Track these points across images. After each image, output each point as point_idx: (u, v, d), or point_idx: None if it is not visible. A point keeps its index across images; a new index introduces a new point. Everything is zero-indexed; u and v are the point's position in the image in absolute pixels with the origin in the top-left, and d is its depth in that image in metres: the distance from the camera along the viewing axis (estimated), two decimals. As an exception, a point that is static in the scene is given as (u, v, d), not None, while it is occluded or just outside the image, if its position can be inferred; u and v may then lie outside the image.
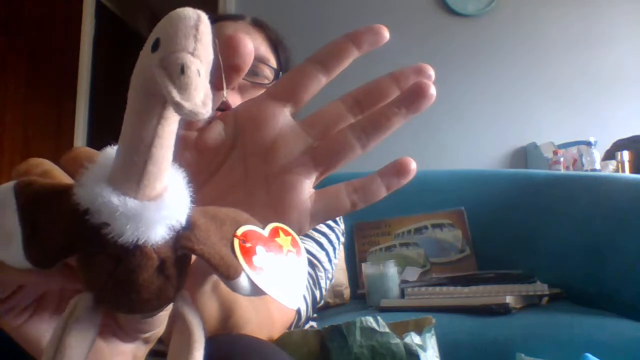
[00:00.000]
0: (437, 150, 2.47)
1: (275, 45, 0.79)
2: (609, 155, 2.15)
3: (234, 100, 0.72)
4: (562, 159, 2.21)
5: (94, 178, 0.19)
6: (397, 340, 0.61)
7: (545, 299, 1.26)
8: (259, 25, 0.80)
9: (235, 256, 0.21)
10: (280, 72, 0.78)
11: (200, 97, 0.17)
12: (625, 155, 2.05)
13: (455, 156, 2.44)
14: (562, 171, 2.12)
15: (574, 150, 2.26)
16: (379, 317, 0.64)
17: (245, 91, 0.73)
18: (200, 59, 0.18)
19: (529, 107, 2.50)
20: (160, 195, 0.19)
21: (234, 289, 0.21)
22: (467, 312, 1.18)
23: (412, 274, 1.55)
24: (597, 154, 2.16)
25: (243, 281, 0.21)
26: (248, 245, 0.22)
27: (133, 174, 0.19)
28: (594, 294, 1.28)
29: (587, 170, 2.12)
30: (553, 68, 2.52)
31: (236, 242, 0.21)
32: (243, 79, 0.73)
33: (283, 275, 0.22)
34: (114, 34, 3.71)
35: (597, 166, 2.13)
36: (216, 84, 0.26)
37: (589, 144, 2.21)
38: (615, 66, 2.52)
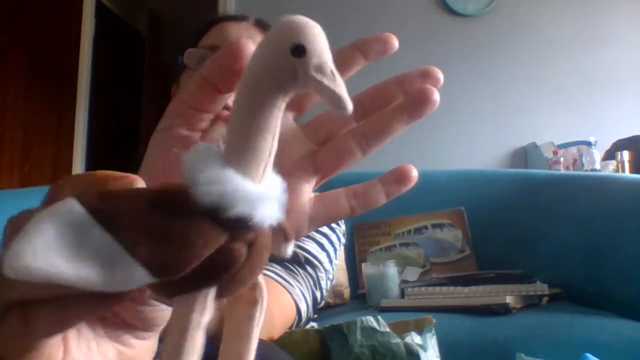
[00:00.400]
0: (437, 150, 2.47)
1: None
2: (609, 155, 2.15)
3: None
4: (562, 159, 2.21)
5: (211, 171, 0.19)
6: (398, 340, 0.61)
7: (545, 299, 1.26)
8: (263, 26, 0.80)
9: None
10: None
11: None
12: (625, 155, 2.05)
13: (456, 156, 2.44)
14: (562, 171, 2.12)
15: (574, 150, 2.26)
16: (379, 317, 0.64)
17: None
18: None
19: (529, 107, 2.50)
20: (274, 182, 0.21)
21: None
22: (467, 312, 1.18)
23: (412, 274, 1.55)
24: (597, 154, 2.16)
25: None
26: None
27: (261, 162, 0.20)
28: (594, 294, 1.28)
29: (587, 170, 2.12)
30: (553, 68, 2.52)
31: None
32: None
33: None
34: (114, 34, 3.71)
35: (597, 166, 2.13)
36: (218, 85, 0.26)
37: (589, 144, 2.21)
38: (615, 66, 2.52)
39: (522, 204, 1.62)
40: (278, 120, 0.21)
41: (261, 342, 0.63)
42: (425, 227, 1.69)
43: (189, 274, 0.19)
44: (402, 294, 1.36)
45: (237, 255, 0.20)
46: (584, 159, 2.17)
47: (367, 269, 1.45)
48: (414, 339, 0.62)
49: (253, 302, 0.22)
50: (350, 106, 0.21)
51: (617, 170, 2.06)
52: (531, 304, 1.24)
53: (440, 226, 1.68)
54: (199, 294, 0.20)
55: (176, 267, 0.18)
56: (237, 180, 0.19)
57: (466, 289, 1.26)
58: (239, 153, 0.20)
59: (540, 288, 1.26)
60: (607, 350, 0.94)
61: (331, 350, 0.61)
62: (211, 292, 0.20)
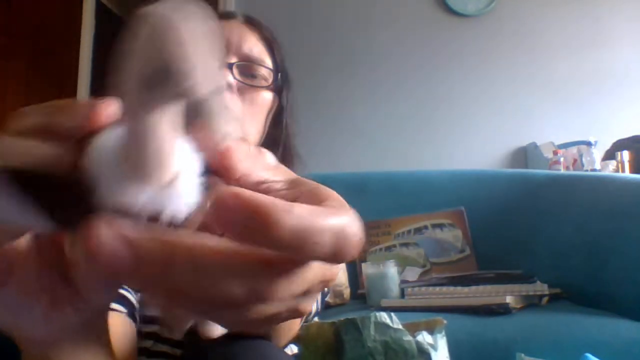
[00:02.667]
0: (437, 150, 2.47)
1: (270, 44, 0.78)
2: (609, 155, 2.15)
3: (235, 103, 0.71)
4: (562, 159, 2.21)
5: (104, 165, 0.19)
6: (410, 338, 0.61)
7: (545, 299, 1.26)
8: (253, 24, 0.79)
9: None
10: (277, 72, 0.77)
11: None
12: (625, 155, 2.05)
13: (455, 156, 2.44)
14: (562, 171, 2.12)
15: (574, 150, 2.26)
16: (392, 314, 0.65)
17: (244, 93, 0.73)
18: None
19: (529, 107, 2.50)
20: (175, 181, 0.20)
21: None
22: (467, 312, 1.18)
23: (412, 274, 1.55)
24: (597, 154, 2.16)
25: None
26: None
27: (148, 166, 0.19)
28: (594, 294, 1.28)
29: (587, 170, 2.12)
30: (553, 68, 2.52)
31: None
32: (241, 81, 0.73)
33: None
34: (114, 34, 3.71)
35: (597, 166, 2.13)
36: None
37: (589, 144, 2.21)
38: (615, 66, 2.52)
39: (522, 204, 1.62)
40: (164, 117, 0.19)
41: (261, 342, 0.63)
42: (425, 227, 1.69)
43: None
44: (402, 294, 1.36)
45: None
46: (584, 159, 2.17)
47: (367, 269, 1.45)
48: (426, 338, 0.62)
49: None
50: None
51: (617, 170, 2.06)
52: (531, 304, 1.24)
53: (440, 226, 1.68)
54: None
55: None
56: (119, 183, 0.19)
57: (466, 289, 1.26)
58: (123, 157, 0.19)
59: (540, 288, 1.26)
60: (607, 350, 0.94)
61: (345, 343, 0.62)
62: None
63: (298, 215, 0.17)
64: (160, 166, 0.19)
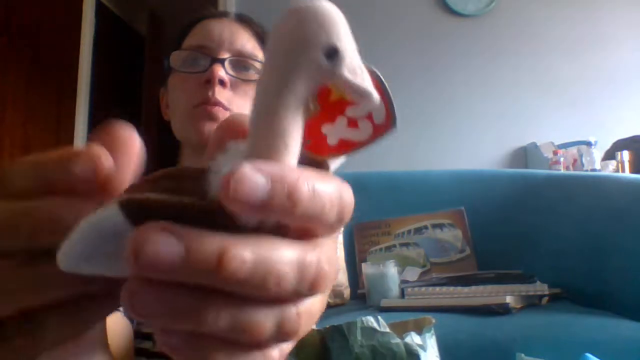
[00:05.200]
0: (437, 150, 2.47)
1: (263, 39, 0.79)
2: (609, 155, 2.15)
3: (228, 97, 0.72)
4: (562, 159, 2.21)
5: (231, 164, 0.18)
6: (398, 340, 0.61)
7: (545, 299, 1.26)
8: (244, 21, 0.80)
9: (313, 160, 0.21)
10: None
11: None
12: (625, 155, 2.05)
13: (455, 156, 2.44)
14: (562, 171, 2.12)
15: (574, 150, 2.26)
16: (379, 317, 0.64)
17: (237, 87, 0.73)
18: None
19: (529, 107, 2.50)
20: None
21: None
22: (467, 312, 1.18)
23: (412, 274, 1.55)
24: (597, 154, 2.16)
25: (332, 165, 0.22)
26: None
27: (284, 159, 0.19)
28: (594, 294, 1.28)
29: (587, 170, 2.12)
30: (553, 68, 2.52)
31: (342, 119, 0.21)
32: (233, 76, 0.74)
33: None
34: (114, 34, 3.71)
35: (597, 166, 2.13)
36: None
37: (589, 144, 2.21)
38: (615, 66, 2.52)
39: (522, 204, 1.62)
40: (301, 121, 0.19)
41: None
42: (425, 227, 1.69)
43: None
44: (402, 294, 1.36)
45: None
46: (584, 159, 2.17)
47: (367, 269, 1.45)
48: (414, 339, 0.62)
49: None
50: (376, 96, 0.21)
51: (617, 170, 2.06)
52: (531, 304, 1.24)
53: (440, 226, 1.68)
54: None
55: None
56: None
57: (466, 289, 1.26)
58: (258, 151, 0.19)
59: (540, 288, 1.26)
60: (607, 350, 0.94)
61: (331, 351, 0.61)
62: None
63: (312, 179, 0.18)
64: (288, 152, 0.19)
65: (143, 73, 3.96)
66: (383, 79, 0.22)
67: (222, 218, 0.18)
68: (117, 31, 3.76)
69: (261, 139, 0.19)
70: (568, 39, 2.54)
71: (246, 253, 0.17)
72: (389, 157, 2.36)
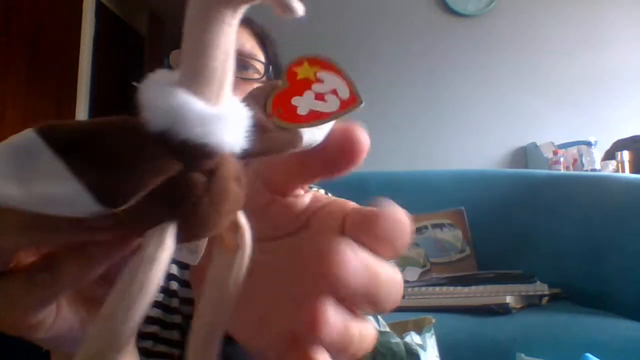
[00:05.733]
0: (437, 150, 2.47)
1: (262, 39, 0.79)
2: (609, 155, 2.15)
3: None
4: (562, 159, 2.21)
5: (162, 93, 0.18)
6: (398, 340, 0.61)
7: (545, 299, 1.26)
8: (244, 21, 0.80)
9: (283, 127, 0.21)
10: (270, 66, 0.78)
11: None
12: (625, 155, 2.05)
13: (455, 156, 2.44)
14: (562, 171, 2.12)
15: (574, 150, 2.26)
16: (379, 317, 0.64)
17: (237, 86, 0.73)
18: None
19: (529, 107, 2.50)
20: (234, 106, 0.19)
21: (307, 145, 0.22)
22: (467, 312, 1.18)
23: (412, 274, 1.55)
24: (597, 154, 2.16)
25: (306, 136, 0.21)
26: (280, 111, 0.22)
27: (214, 82, 0.18)
28: (593, 294, 1.28)
29: (587, 170, 2.12)
30: (553, 68, 2.52)
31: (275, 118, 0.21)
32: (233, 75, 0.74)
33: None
34: (114, 34, 3.71)
35: (597, 166, 2.13)
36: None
37: (589, 144, 2.21)
38: (615, 66, 2.52)
39: (522, 204, 1.62)
40: (229, 37, 0.19)
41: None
42: (425, 227, 1.69)
43: (141, 205, 0.19)
44: (402, 294, 1.36)
45: (191, 183, 0.18)
46: (584, 159, 2.17)
47: (367, 269, 1.45)
48: (414, 338, 0.62)
49: (233, 249, 0.21)
50: (299, 8, 0.20)
51: (617, 170, 2.06)
52: (531, 304, 1.24)
53: (440, 226, 1.68)
54: (154, 230, 0.19)
55: (122, 194, 0.18)
56: (187, 100, 0.18)
57: (466, 289, 1.26)
58: (189, 74, 0.18)
59: (540, 288, 1.26)
60: (607, 350, 0.94)
61: (331, 351, 0.61)
62: (170, 229, 0.19)
63: None
64: None
65: (143, 73, 3.96)
66: (335, 62, 0.22)
67: (120, 134, 0.18)
68: (117, 31, 3.76)
69: (184, 67, 0.18)
70: (568, 39, 2.54)
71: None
72: (389, 157, 2.36)
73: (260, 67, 0.76)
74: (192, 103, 0.18)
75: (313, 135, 0.22)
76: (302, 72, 0.22)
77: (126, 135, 0.18)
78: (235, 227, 0.21)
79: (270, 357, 0.23)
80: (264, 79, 0.77)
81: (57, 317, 0.24)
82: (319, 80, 0.22)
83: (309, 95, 0.22)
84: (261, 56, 0.77)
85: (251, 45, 0.77)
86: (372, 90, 2.52)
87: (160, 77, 0.19)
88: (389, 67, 2.54)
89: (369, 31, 2.58)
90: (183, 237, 0.19)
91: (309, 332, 0.19)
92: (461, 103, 2.52)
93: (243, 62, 0.75)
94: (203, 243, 0.25)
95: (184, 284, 0.67)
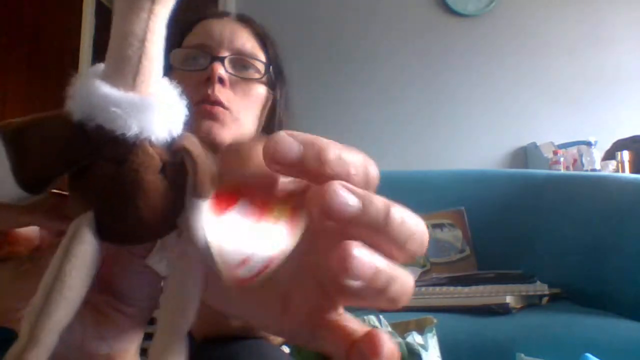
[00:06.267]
0: (438, 150, 2.47)
1: (263, 39, 0.79)
2: (609, 155, 2.15)
3: (227, 95, 0.72)
4: (562, 159, 2.21)
5: (86, 83, 0.18)
6: (400, 340, 0.61)
7: (545, 299, 1.26)
8: (245, 21, 0.80)
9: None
10: (270, 66, 0.78)
11: None
12: (625, 155, 2.05)
13: (456, 156, 2.44)
14: (562, 171, 2.12)
15: (574, 150, 2.26)
16: (381, 317, 0.64)
17: (237, 86, 0.74)
18: None
19: (529, 107, 2.50)
20: (156, 93, 0.19)
21: (189, 218, 0.19)
22: (467, 312, 1.18)
23: (412, 274, 1.55)
24: (597, 154, 2.16)
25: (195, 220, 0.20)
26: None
27: (128, 69, 0.18)
28: (593, 294, 1.28)
29: (587, 170, 2.12)
30: (553, 68, 2.52)
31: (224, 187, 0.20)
32: (233, 74, 0.74)
33: (246, 238, 0.19)
34: (114, 34, 3.71)
35: (597, 166, 2.13)
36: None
37: (589, 144, 2.21)
38: (615, 66, 2.52)
39: (522, 204, 1.62)
40: (148, 24, 0.19)
41: (260, 342, 0.62)
42: (425, 227, 1.69)
43: (71, 195, 0.19)
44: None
45: (98, 172, 0.18)
46: (584, 159, 2.17)
47: (367, 269, 1.45)
48: (415, 338, 0.62)
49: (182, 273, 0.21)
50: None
51: (617, 170, 2.06)
52: (531, 304, 1.24)
53: (440, 226, 1.68)
54: (74, 222, 0.19)
55: (36, 179, 0.18)
56: (97, 87, 0.18)
57: (466, 289, 1.26)
58: (107, 63, 0.19)
59: (540, 288, 1.26)
60: (607, 350, 0.94)
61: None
62: (85, 221, 0.19)
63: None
64: None
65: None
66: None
67: (61, 126, 0.18)
68: (117, 31, 3.76)
69: (107, 56, 0.19)
70: (568, 38, 2.54)
71: (403, 214, 0.21)
72: (389, 157, 2.36)
73: (261, 66, 0.76)
74: (100, 89, 0.18)
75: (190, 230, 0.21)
76: (279, 209, 0.20)
77: (53, 125, 0.19)
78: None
79: (297, 336, 0.23)
80: (264, 78, 0.77)
81: None
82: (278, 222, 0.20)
83: (247, 220, 0.20)
84: (262, 56, 0.77)
85: (251, 45, 0.77)
86: (371, 90, 2.51)
87: (92, 70, 0.19)
88: (388, 66, 2.54)
89: (369, 31, 2.58)
90: (109, 233, 0.19)
91: (339, 269, 0.18)
92: (461, 103, 2.51)
93: (243, 62, 0.75)
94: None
95: None
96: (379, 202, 0.20)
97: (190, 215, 0.20)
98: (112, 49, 0.19)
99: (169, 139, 0.19)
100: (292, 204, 0.21)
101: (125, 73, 0.18)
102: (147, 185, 0.19)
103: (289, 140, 0.20)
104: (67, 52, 3.31)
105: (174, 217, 0.20)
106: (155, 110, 0.18)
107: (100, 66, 0.19)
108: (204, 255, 0.18)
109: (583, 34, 2.54)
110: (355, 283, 0.19)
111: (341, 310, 0.23)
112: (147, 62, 0.19)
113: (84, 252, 0.19)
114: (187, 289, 0.20)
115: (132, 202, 0.19)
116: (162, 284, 0.22)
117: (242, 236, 0.19)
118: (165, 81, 0.20)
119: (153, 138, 0.18)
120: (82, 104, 0.18)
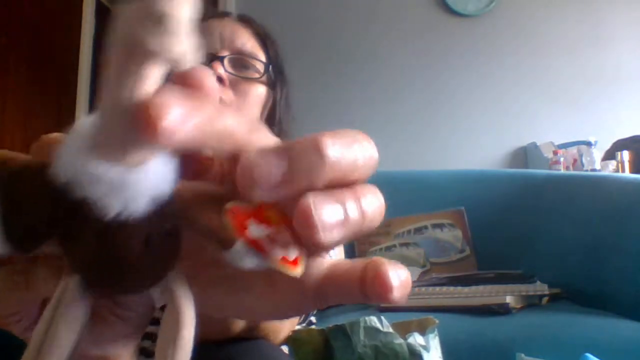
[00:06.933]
0: (437, 150, 2.47)
1: (263, 39, 0.79)
2: (609, 155, 2.15)
3: (227, 96, 0.72)
4: (562, 159, 2.21)
5: (72, 147, 0.18)
6: (401, 341, 0.61)
7: (545, 299, 1.26)
8: (246, 20, 0.80)
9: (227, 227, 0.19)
10: (270, 66, 0.78)
11: (186, 44, 0.17)
12: (625, 155, 2.05)
13: (455, 156, 2.44)
14: (562, 171, 2.12)
15: (574, 150, 2.26)
16: (382, 317, 0.64)
17: (237, 86, 0.73)
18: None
19: (529, 107, 2.50)
20: (144, 162, 0.18)
21: (233, 260, 0.20)
22: (467, 312, 1.18)
23: (412, 274, 1.55)
24: (597, 154, 2.16)
25: (241, 251, 0.20)
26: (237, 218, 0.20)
27: (118, 139, 0.17)
28: (593, 294, 1.28)
29: (587, 170, 2.12)
30: (553, 68, 2.52)
31: (226, 214, 0.20)
32: (233, 74, 0.74)
33: (279, 244, 0.20)
34: (114, 34, 3.71)
35: (597, 166, 2.13)
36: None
37: (589, 144, 2.21)
38: (615, 66, 2.52)
39: (522, 204, 1.62)
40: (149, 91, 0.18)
41: (262, 343, 0.62)
42: (425, 227, 1.69)
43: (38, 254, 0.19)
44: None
45: (82, 240, 0.18)
46: (584, 159, 2.17)
47: (367, 269, 1.45)
48: (417, 339, 0.62)
49: (171, 312, 0.21)
50: (185, 55, 0.17)
51: (617, 170, 2.06)
52: (531, 304, 1.24)
53: (440, 226, 1.68)
54: (61, 284, 0.20)
55: (15, 234, 0.18)
56: (84, 160, 0.17)
57: (466, 289, 1.26)
58: (97, 131, 0.18)
59: (540, 288, 1.26)
60: (607, 350, 0.94)
61: (334, 350, 0.61)
62: (73, 283, 0.19)
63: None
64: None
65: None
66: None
67: (45, 184, 0.18)
68: (117, 31, 3.76)
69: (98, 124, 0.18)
70: (568, 38, 2.54)
71: (333, 139, 0.19)
72: (389, 157, 2.36)
73: (261, 66, 0.76)
74: (85, 161, 0.17)
75: (240, 260, 0.20)
76: (272, 212, 0.20)
77: (36, 181, 0.18)
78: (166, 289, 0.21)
79: (298, 304, 0.22)
80: (263, 78, 0.77)
81: (36, 323, 0.24)
82: (277, 227, 0.20)
83: (264, 229, 0.20)
84: (262, 56, 0.77)
85: (252, 45, 0.77)
86: (371, 90, 2.51)
87: (81, 129, 0.18)
88: (388, 66, 2.54)
89: (369, 31, 2.58)
90: (96, 291, 0.20)
91: (306, 229, 0.18)
92: (461, 103, 2.52)
93: (243, 61, 0.75)
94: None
95: None
96: (307, 149, 0.18)
97: (174, 289, 0.21)
98: (103, 117, 0.18)
99: (157, 207, 0.19)
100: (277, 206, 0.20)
101: (115, 143, 0.17)
102: (130, 261, 0.19)
103: (268, 159, 0.18)
104: (67, 52, 3.31)
105: (161, 278, 0.21)
106: (142, 185, 0.18)
107: (87, 126, 0.18)
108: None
109: (583, 34, 2.54)
110: (328, 235, 0.18)
111: (326, 256, 0.22)
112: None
113: (72, 313, 0.19)
114: (181, 320, 0.21)
115: (115, 275, 0.19)
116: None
117: None
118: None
119: (139, 212, 0.18)
120: (67, 169, 0.17)
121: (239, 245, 0.19)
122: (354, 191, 0.20)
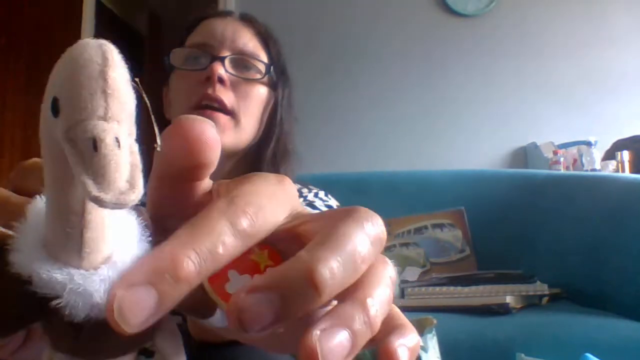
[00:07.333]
0: (438, 150, 2.47)
1: (265, 39, 0.79)
2: (609, 155, 2.15)
3: (228, 97, 0.72)
4: (562, 159, 2.21)
5: (30, 245, 0.17)
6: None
7: (545, 299, 1.26)
8: (248, 20, 0.80)
9: (205, 291, 0.18)
10: (272, 66, 0.77)
11: (124, 179, 0.15)
12: (625, 155, 2.05)
13: (456, 156, 2.44)
14: (562, 171, 2.12)
15: (574, 150, 2.26)
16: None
17: (238, 86, 0.73)
18: (116, 120, 0.15)
19: (529, 107, 2.50)
20: (108, 258, 0.17)
21: (209, 324, 0.19)
22: (467, 312, 1.18)
23: (412, 274, 1.55)
24: (597, 154, 2.16)
25: (218, 315, 0.19)
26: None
27: (71, 245, 0.17)
28: (593, 294, 1.28)
29: (587, 170, 2.12)
30: (553, 68, 2.52)
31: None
32: (233, 74, 0.73)
33: None
34: (113, 34, 3.70)
35: (597, 166, 2.13)
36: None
37: (589, 144, 2.21)
38: (615, 66, 2.52)
39: (522, 204, 1.62)
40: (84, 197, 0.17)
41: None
42: (425, 227, 1.69)
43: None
44: (402, 294, 1.36)
45: (59, 329, 0.18)
46: (584, 159, 2.17)
47: (367, 269, 1.45)
48: (415, 339, 0.62)
49: None
50: (123, 199, 0.15)
51: (617, 170, 2.06)
52: (531, 304, 1.24)
53: (440, 226, 1.68)
54: (47, 355, 0.20)
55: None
56: (40, 265, 0.17)
57: (466, 289, 1.26)
58: (49, 235, 0.17)
59: (540, 288, 1.26)
60: (607, 350, 0.94)
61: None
62: (57, 357, 0.19)
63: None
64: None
65: (143, 73, 3.96)
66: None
67: (11, 281, 0.17)
68: (116, 31, 3.76)
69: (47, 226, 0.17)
70: (568, 39, 2.54)
71: (330, 260, 0.17)
72: (389, 157, 2.36)
73: (262, 67, 0.76)
74: (41, 265, 0.17)
75: (222, 323, 0.20)
76: (257, 255, 0.19)
77: (8, 272, 0.17)
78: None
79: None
80: (265, 79, 0.76)
81: (23, 346, 0.24)
82: (266, 268, 0.19)
83: (248, 280, 0.19)
84: (263, 56, 0.77)
85: (253, 45, 0.76)
86: (371, 90, 2.51)
87: (35, 225, 0.18)
88: (388, 66, 2.54)
89: (369, 31, 2.58)
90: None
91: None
92: (461, 103, 2.51)
93: (245, 62, 0.75)
94: None
95: None
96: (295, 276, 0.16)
97: (161, 349, 0.21)
98: (51, 222, 0.17)
99: None
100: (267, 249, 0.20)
101: (69, 249, 0.17)
102: (110, 344, 0.19)
103: (256, 304, 0.16)
104: (67, 52, 3.31)
105: (146, 341, 0.21)
106: (104, 285, 0.17)
107: (39, 226, 0.17)
108: None
109: (583, 35, 2.54)
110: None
111: None
112: (90, 233, 0.17)
113: None
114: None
115: (98, 354, 0.19)
116: None
117: None
118: (128, 225, 0.18)
119: (77, 317, 0.17)
120: (29, 270, 0.17)
121: (218, 314, 0.19)
122: (361, 299, 0.18)
